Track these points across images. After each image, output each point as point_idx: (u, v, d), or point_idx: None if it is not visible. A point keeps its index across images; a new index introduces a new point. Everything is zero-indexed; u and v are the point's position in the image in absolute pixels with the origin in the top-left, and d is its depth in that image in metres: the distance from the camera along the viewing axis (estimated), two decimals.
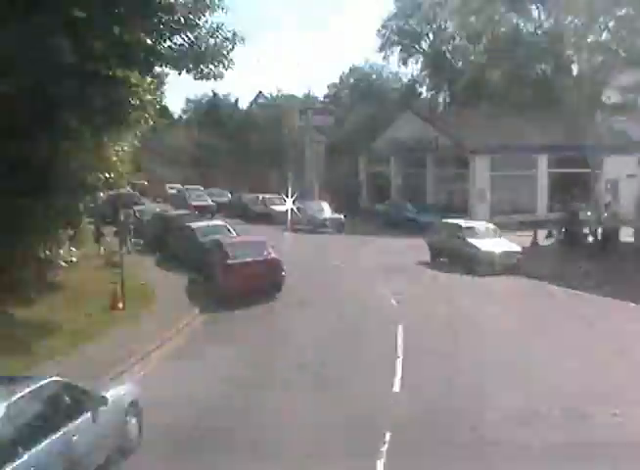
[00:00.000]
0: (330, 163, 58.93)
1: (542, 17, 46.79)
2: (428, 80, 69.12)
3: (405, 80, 72.83)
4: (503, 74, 49.44)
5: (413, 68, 69.82)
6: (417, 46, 67.89)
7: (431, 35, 67.45)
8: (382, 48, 67.66)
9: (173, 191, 68.50)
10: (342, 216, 43.99)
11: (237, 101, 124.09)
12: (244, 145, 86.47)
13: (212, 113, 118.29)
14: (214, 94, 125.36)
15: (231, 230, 31.39)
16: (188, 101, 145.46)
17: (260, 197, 52.25)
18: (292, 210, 45.41)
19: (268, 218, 48.34)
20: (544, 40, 45.70)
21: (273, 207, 49.63)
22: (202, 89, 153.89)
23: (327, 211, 44.90)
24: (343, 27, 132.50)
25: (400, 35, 66.83)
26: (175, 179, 78.87)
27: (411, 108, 51.81)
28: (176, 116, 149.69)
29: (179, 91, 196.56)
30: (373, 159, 55.30)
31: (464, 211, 43.55)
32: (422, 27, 67.25)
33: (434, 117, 49.95)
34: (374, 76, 75.75)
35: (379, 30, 67.14)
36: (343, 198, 52.52)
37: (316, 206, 45.92)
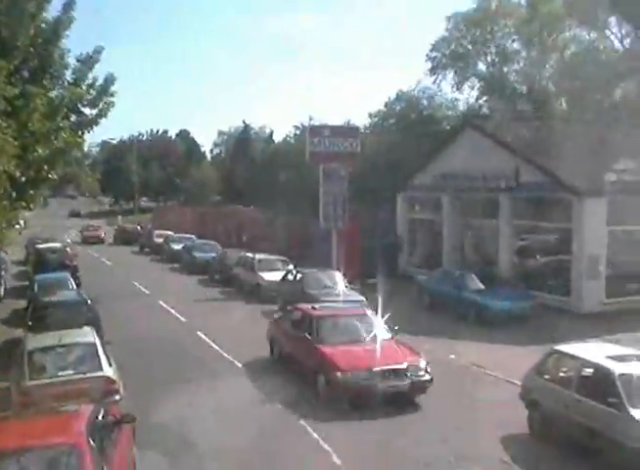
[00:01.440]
0: (359, 207, 41.69)
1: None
2: (487, 106, 60.86)
3: (461, 108, 63.46)
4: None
5: (469, 94, 63.15)
6: (472, 69, 61.85)
7: (488, 57, 61.43)
8: (432, 71, 61.21)
9: (160, 240, 53.50)
10: (362, 298, 26.82)
11: (272, 134, 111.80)
12: (269, 183, 74.30)
13: (243, 146, 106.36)
14: (245, 125, 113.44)
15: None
16: (220, 133, 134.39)
17: (248, 257, 35.31)
18: (287, 280, 29.29)
19: (257, 290, 32.34)
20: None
21: (263, 274, 32.86)
22: (235, 121, 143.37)
23: (338, 285, 27.83)
24: (390, 52, 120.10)
25: (453, 58, 60.74)
26: (182, 225, 63.80)
27: (473, 126, 34.35)
28: (207, 149, 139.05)
29: (210, 123, 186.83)
30: (417, 199, 38.23)
31: (563, 291, 26.71)
32: (478, 49, 61.39)
33: (510, 138, 32.32)
34: (425, 102, 63.84)
35: (428, 54, 61.42)
36: (375, 257, 35.77)
37: (322, 277, 28.91)
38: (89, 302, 22.10)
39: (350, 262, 32.81)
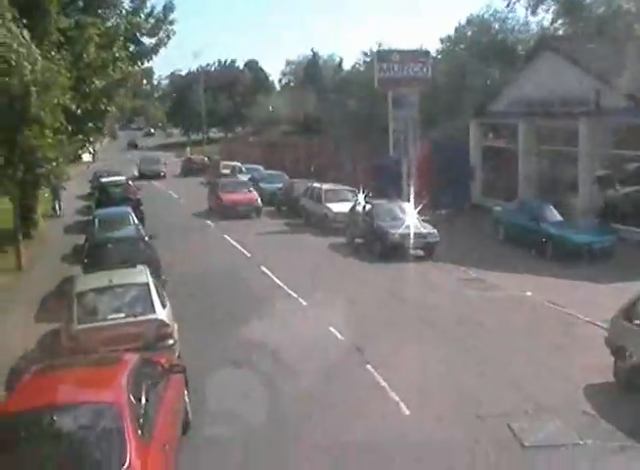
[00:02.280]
0: (429, 134, 39.99)
1: None
2: (563, 30, 55.42)
3: (535, 32, 57.90)
4: None
5: (543, 17, 59.11)
6: None
7: None
8: None
9: (227, 171, 52.49)
10: (434, 232, 25.54)
11: (341, 62, 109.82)
12: (339, 113, 73.07)
13: (312, 75, 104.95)
14: (314, 54, 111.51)
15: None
16: (288, 63, 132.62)
17: (315, 187, 34.18)
18: (356, 211, 28.20)
19: (324, 222, 31.33)
20: None
21: (330, 205, 31.79)
22: (304, 50, 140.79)
23: (409, 217, 26.54)
24: None
25: None
26: (250, 155, 62.84)
27: (550, 47, 32.18)
28: (275, 78, 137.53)
29: (279, 53, 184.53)
30: (491, 126, 36.35)
31: None
32: None
33: (590, 60, 30.11)
34: (497, 26, 59.61)
35: None
36: (447, 187, 34.42)
37: (392, 208, 27.67)
38: (147, 238, 21.31)
39: (422, 193, 31.49)
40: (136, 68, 32.88)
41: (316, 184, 34.77)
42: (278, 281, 21.92)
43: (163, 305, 14.63)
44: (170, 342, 13.96)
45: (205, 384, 12.85)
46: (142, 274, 15.68)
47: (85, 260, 19.94)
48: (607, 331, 13.59)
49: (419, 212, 27.87)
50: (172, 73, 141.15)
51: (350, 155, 45.06)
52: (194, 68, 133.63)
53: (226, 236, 30.31)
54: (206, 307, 19.18)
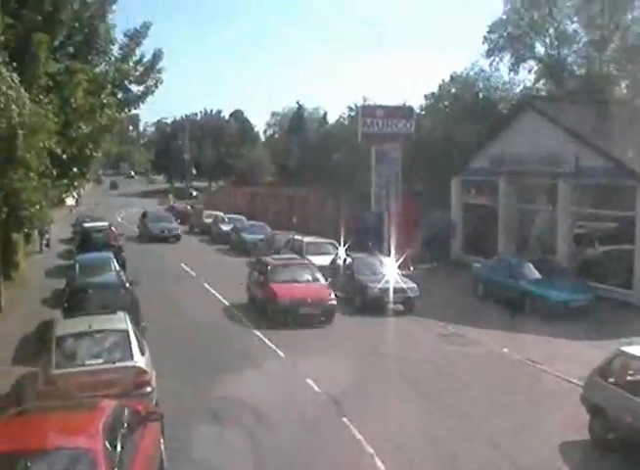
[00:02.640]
0: (410, 189, 40.50)
1: None
2: (545, 89, 58.77)
3: (518, 91, 60.73)
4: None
5: (525, 77, 63.24)
6: (529, 51, 58.80)
7: (547, 39, 58.57)
8: (489, 54, 57.83)
9: (209, 220, 52.89)
10: (414, 286, 25.70)
11: (325, 115, 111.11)
12: (323, 165, 74.05)
13: (296, 127, 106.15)
14: (299, 106, 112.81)
15: None
16: (273, 114, 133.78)
17: (297, 239, 34.38)
18: (336, 265, 28.47)
19: None
20: None
21: (311, 257, 31.82)
22: (289, 102, 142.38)
23: (389, 272, 26.68)
24: (445, 34, 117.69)
25: (511, 40, 57.62)
26: (232, 205, 63.34)
27: (532, 107, 32.77)
28: (260, 129, 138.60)
29: (264, 104, 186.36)
30: (472, 183, 36.80)
31: (624, 283, 25.46)
32: (537, 29, 58.39)
33: (571, 121, 30.64)
34: (480, 85, 61.24)
35: (485, 36, 57.97)
36: (429, 242, 34.77)
37: (372, 262, 27.84)
38: (127, 285, 21.31)
39: (402, 247, 31.73)
40: (123, 114, 33.06)
41: (297, 236, 34.97)
42: (258, 332, 21.97)
43: (142, 352, 14.61)
44: (148, 389, 13.93)
45: (181, 432, 12.82)
46: (121, 321, 15.67)
47: (65, 305, 19.92)
48: (582, 388, 13.71)
49: (399, 267, 28.07)
50: (159, 121, 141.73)
51: (333, 208, 45.49)
52: (180, 116, 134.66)
53: (206, 285, 30.33)
54: (184, 353, 19.18)
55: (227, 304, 26.67)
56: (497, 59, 58.88)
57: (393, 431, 13.66)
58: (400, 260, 29.09)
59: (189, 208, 68.56)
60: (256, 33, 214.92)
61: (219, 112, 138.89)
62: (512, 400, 15.70)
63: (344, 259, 28.59)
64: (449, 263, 35.63)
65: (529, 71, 60.16)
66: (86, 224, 41.52)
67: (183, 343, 20.65)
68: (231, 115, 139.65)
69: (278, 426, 13.81)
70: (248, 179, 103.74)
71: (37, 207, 24.60)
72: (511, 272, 26.21)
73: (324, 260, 30.35)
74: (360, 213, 38.60)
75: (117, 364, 13.88)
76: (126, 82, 32.45)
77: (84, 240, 34.11)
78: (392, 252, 30.28)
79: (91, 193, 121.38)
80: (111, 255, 27.89)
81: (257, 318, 23.90)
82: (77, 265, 26.00)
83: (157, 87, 32.90)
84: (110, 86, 30.11)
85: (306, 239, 34.04)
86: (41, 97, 24.97)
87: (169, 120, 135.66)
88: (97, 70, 30.65)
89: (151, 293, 26.40)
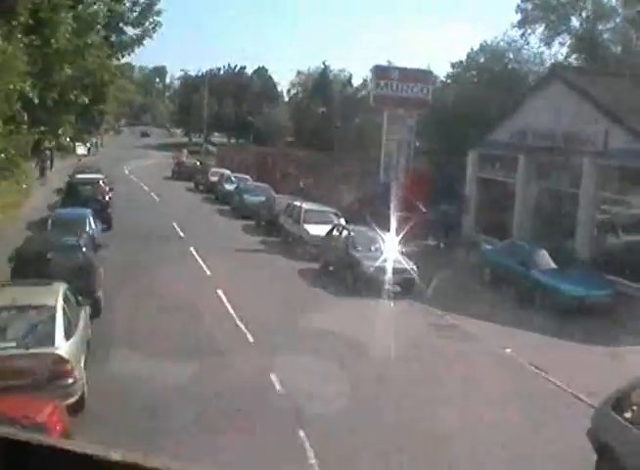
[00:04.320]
0: (426, 161, 37.86)
1: None
2: (577, 64, 53.03)
3: (549, 64, 55.81)
4: None
5: (558, 51, 57.30)
6: (564, 24, 55.69)
7: (583, 13, 55.65)
8: (521, 24, 55.11)
9: (215, 178, 50.23)
10: (413, 268, 23.18)
11: (350, 77, 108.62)
12: (342, 130, 72.08)
13: (320, 88, 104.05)
14: (325, 67, 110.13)
15: None
16: (298, 73, 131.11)
17: (296, 205, 31.88)
18: (333, 236, 26.02)
19: (300, 244, 29.10)
20: None
21: (308, 226, 29.48)
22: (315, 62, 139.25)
23: (388, 249, 24.20)
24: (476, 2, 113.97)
25: (545, 10, 54.79)
26: (243, 164, 60.93)
27: (561, 77, 29.89)
28: (284, 89, 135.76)
29: (290, 63, 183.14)
30: (490, 157, 34.02)
31: None
32: (574, 1, 55.43)
33: (603, 96, 27.75)
34: (510, 56, 57.59)
35: (519, 4, 55.33)
36: (439, 218, 32.16)
37: (371, 237, 25.37)
38: (84, 249, 18.87)
39: (410, 222, 29.25)
40: (115, 60, 30.63)
41: (297, 202, 32.45)
42: (231, 310, 19.55)
43: (68, 336, 12.28)
44: (69, 381, 11.63)
45: None
46: (54, 294, 13.31)
47: (11, 269, 17.68)
48: (591, 420, 11.15)
49: (404, 243, 25.60)
50: (184, 74, 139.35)
51: (343, 175, 42.76)
52: (204, 69, 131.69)
53: (192, 249, 27.95)
54: (138, 332, 16.81)
55: (208, 273, 24.24)
56: (529, 30, 56.14)
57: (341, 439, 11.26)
58: (403, 236, 26.56)
59: (198, 164, 66.01)
60: None
61: (243, 68, 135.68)
62: (506, 418, 13.21)
63: (341, 231, 26.10)
64: (459, 242, 33.01)
65: (562, 45, 56.91)
66: (78, 176, 39.24)
67: (141, 314, 18.28)
68: (255, 71, 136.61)
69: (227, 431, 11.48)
70: (266, 138, 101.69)
71: (2, 155, 22.29)
72: (522, 259, 23.53)
73: (322, 230, 27.94)
74: (367, 183, 35.99)
75: (32, 350, 11.57)
76: (121, 24, 30.07)
77: (70, 193, 31.80)
78: (395, 226, 27.72)
79: (111, 142, 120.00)
80: (88, 212, 25.66)
81: (232, 288, 21.49)
82: (50, 221, 23.97)
83: (154, 30, 30.44)
84: (100, 27, 27.65)
85: (305, 205, 31.54)
86: (19, 35, 22.60)
87: (193, 73, 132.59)
88: (90, 9, 28.25)
89: (125, 256, 24.17)
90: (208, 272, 24.28)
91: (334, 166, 45.30)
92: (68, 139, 29.62)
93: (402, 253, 24.45)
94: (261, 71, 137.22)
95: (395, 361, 16.15)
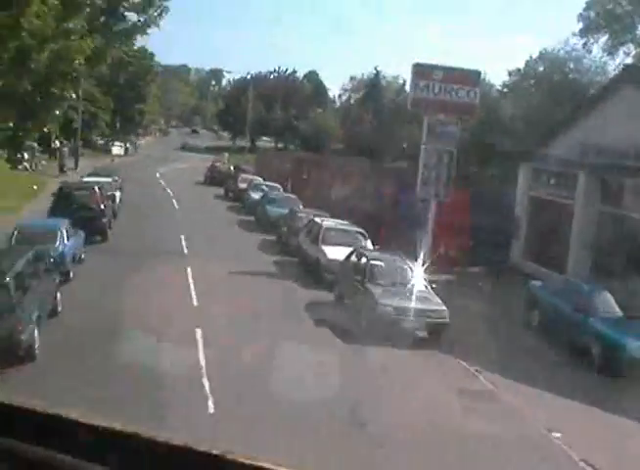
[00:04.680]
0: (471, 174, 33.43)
1: None
2: None
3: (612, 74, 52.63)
4: None
5: (622, 61, 53.33)
6: (630, 33, 53.63)
7: None
8: (583, 33, 53.63)
9: (244, 185, 46.26)
10: (443, 309, 18.73)
11: (404, 84, 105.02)
12: (390, 139, 68.72)
13: (372, 94, 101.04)
14: (377, 72, 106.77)
15: None
16: (351, 78, 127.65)
17: (316, 221, 27.71)
18: (351, 261, 21.83)
19: (316, 269, 24.99)
20: None
21: (327, 248, 25.23)
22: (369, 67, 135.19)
23: (414, 282, 19.80)
24: (536, 11, 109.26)
25: (609, 19, 53.26)
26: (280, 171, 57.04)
27: (635, 81, 25.20)
28: (336, 94, 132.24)
29: (342, 68, 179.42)
30: (543, 175, 29.40)
31: None
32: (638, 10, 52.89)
33: None
34: (571, 65, 55.06)
35: (582, 13, 53.99)
36: (482, 243, 27.71)
37: (393, 266, 21.01)
38: (7, 279, 14.55)
39: (448, 247, 24.94)
40: (115, 46, 26.74)
41: (317, 218, 28.21)
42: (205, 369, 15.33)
43: None
44: None
45: None
46: None
47: None
48: None
49: (437, 272, 21.27)
50: (232, 76, 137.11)
51: (381, 188, 38.10)
52: (254, 72, 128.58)
53: (189, 270, 23.86)
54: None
55: (195, 304, 20.06)
56: (592, 39, 54.49)
57: None
58: (437, 263, 22.24)
59: (231, 168, 62.17)
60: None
61: (294, 71, 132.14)
62: None
63: (359, 257, 21.79)
64: (506, 270, 28.47)
65: (627, 55, 54.28)
66: (87, 178, 35.72)
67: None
68: (305, 75, 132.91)
69: None
70: (313, 144, 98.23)
71: None
72: (579, 302, 18.84)
73: (342, 254, 23.63)
74: (402, 197, 31.57)
75: None
76: (121, 10, 26.21)
77: (59, 200, 27.92)
78: (429, 251, 23.41)
79: (155, 143, 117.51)
80: (60, 223, 21.81)
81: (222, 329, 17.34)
82: (13, 235, 20.27)
83: (161, 17, 26.63)
84: (89, 11, 23.70)
85: (326, 223, 27.31)
86: None
87: (243, 76, 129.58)
88: None
89: (99, 278, 20.36)
90: (195, 302, 20.11)
91: (373, 178, 40.77)
92: (53, 138, 25.82)
93: (433, 286, 20.00)
94: (312, 76, 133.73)
95: (413, 448, 11.78)
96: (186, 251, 27.96)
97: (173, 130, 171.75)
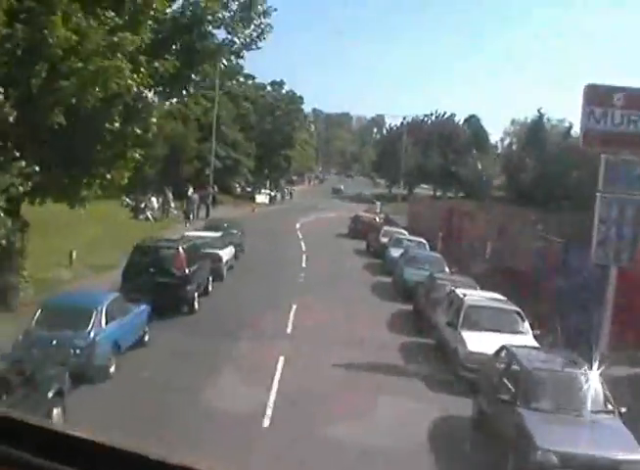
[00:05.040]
0: None
1: None
2: None
3: None
4: None
5: None
6: None
7: None
8: None
9: (385, 240, 41.54)
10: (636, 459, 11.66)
11: (570, 128, 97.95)
12: (559, 185, 63.12)
13: (535, 139, 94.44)
14: (540, 115, 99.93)
15: None
16: (513, 122, 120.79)
17: (457, 294, 21.07)
18: (501, 359, 15.01)
19: (452, 361, 18.42)
20: None
21: (468, 334, 18.66)
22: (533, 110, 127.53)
23: (593, 410, 12.81)
24: None
25: None
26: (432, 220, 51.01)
27: None
28: (497, 139, 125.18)
29: (503, 111, 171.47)
30: None
31: None
32: None
33: None
34: None
35: None
36: None
37: (560, 377, 14.04)
38: None
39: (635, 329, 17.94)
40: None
41: (460, 290, 21.50)
42: None
43: None
44: None
45: None
46: None
47: None
48: None
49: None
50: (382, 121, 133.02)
51: (544, 248, 30.39)
52: (410, 116, 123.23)
53: (280, 362, 17.81)
54: None
55: (265, 425, 13.93)
56: None
57: None
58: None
59: (377, 220, 56.16)
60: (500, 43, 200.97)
61: (452, 115, 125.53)
62: None
63: (510, 356, 14.97)
64: None
65: None
66: (190, 233, 30.76)
67: None
68: (465, 120, 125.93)
69: None
70: (472, 191, 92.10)
71: None
72: None
73: (488, 344, 16.91)
74: (575, 263, 24.24)
75: None
76: (208, 25, 20.70)
77: (133, 262, 22.55)
78: (606, 343, 16.43)
79: (309, 191, 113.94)
80: (100, 299, 16.30)
81: None
82: (38, 313, 15.04)
83: (262, 37, 21.01)
84: (151, 22, 18.26)
85: (470, 297, 20.51)
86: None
87: (399, 121, 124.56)
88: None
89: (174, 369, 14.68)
90: (266, 423, 13.94)
91: (533, 233, 33.29)
92: (85, 204, 20.49)
93: (623, 411, 12.96)
94: (473, 120, 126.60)
95: None
96: (289, 329, 22.08)
97: (332, 178, 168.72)
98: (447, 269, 30.46)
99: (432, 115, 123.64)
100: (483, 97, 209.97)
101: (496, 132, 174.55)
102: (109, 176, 19.38)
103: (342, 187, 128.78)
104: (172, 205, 53.73)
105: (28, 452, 1.92)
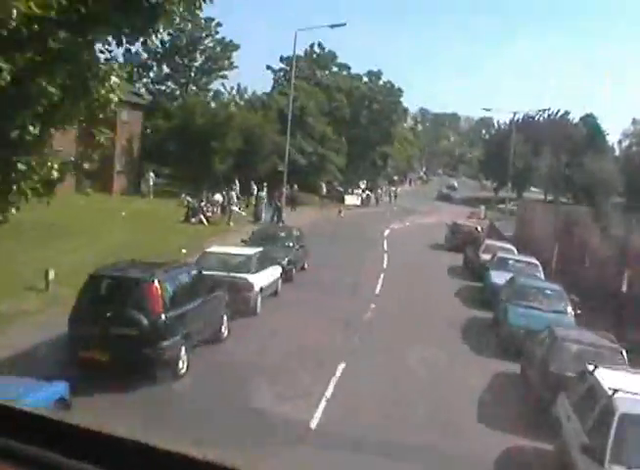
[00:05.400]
0: None
1: None
2: None
3: None
4: None
5: None
6: None
7: None
8: None
9: (486, 257, 33.14)
10: None
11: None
12: None
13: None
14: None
15: None
16: (634, 121, 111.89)
17: (593, 376, 12.35)
18: None
19: None
20: None
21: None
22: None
23: None
24: None
25: None
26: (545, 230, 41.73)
27: None
28: (615, 139, 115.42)
29: (624, 110, 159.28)
30: None
31: None
32: None
33: None
34: None
35: None
36: None
37: None
38: None
39: None
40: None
41: (604, 375, 12.80)
42: None
43: None
44: None
45: None
46: None
47: None
48: None
49: None
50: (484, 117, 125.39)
51: None
52: (520, 113, 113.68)
53: None
54: None
55: None
56: None
57: None
58: None
59: (478, 229, 47.16)
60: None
61: (566, 113, 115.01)
62: None
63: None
64: None
65: None
66: (215, 249, 23.11)
67: None
68: (581, 119, 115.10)
69: None
70: (589, 197, 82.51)
71: None
72: None
73: None
74: None
75: None
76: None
77: (84, 302, 14.52)
78: None
79: (411, 192, 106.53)
80: None
81: None
82: None
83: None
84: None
85: (626, 397, 11.63)
86: None
87: (508, 119, 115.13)
88: None
89: None
90: None
91: None
92: (55, 173, 12.64)
93: None
94: (589, 119, 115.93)
95: None
96: (319, 414, 13.86)
97: (436, 179, 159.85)
98: (570, 309, 21.76)
99: (544, 111, 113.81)
100: (600, 95, 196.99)
101: (614, 133, 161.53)
102: (23, 168, 11.74)
103: (446, 190, 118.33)
104: (236, 206, 46.21)
105: (27, 444, 1.87)
